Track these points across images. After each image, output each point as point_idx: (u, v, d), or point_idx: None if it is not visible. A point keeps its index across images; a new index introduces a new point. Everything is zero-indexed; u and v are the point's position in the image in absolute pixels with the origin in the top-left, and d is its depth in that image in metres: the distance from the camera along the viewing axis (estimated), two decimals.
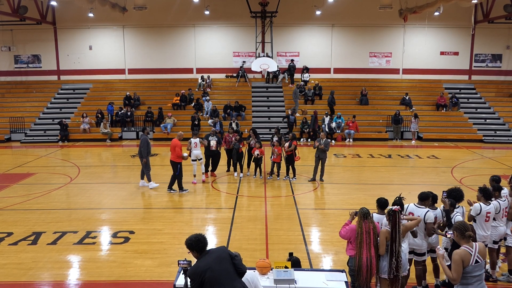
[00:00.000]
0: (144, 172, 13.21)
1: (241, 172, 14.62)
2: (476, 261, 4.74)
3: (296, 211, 10.87)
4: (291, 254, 6.29)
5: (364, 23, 26.60)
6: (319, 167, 13.69)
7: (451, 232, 5.21)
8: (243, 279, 4.75)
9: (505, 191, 7.28)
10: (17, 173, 15.34)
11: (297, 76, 26.48)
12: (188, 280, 4.66)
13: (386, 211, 6.02)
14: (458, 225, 5.01)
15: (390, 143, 22.17)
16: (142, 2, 25.79)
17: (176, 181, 12.67)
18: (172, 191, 12.71)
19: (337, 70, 27.36)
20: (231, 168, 15.00)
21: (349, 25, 26.87)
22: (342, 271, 5.82)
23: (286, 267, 5.51)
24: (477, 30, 26.15)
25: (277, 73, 26.12)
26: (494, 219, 6.85)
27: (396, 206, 5.82)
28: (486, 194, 6.77)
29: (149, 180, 13.22)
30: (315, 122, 21.98)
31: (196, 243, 4.65)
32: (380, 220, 6.21)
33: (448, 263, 4.96)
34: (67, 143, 22.04)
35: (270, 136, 14.70)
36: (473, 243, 4.86)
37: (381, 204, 6.36)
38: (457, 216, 6.38)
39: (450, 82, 26.84)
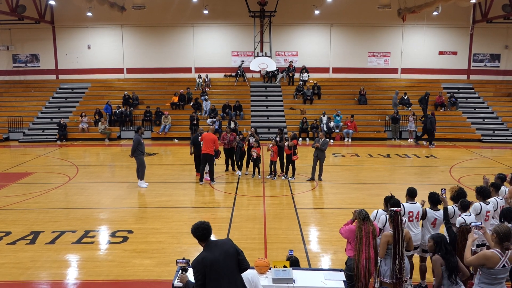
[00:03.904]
0: (139, 170, 13.17)
1: (240, 170, 14.70)
2: (504, 266, 4.73)
3: (295, 211, 10.87)
4: (291, 251, 6.27)
5: (363, 23, 26.60)
6: (318, 166, 13.70)
7: (478, 224, 5.22)
8: (244, 277, 4.77)
9: (503, 190, 7.30)
10: (16, 173, 15.32)
11: (296, 75, 26.50)
12: (191, 270, 4.70)
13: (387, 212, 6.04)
14: (501, 231, 4.77)
15: (388, 142, 22.20)
16: (141, 2, 25.77)
17: (200, 170, 13.48)
18: (213, 182, 13.52)
19: (335, 70, 27.37)
20: (229, 167, 15.12)
21: (348, 25, 26.87)
22: (341, 270, 5.82)
23: (284, 267, 5.51)
24: (476, 30, 26.18)
25: (275, 72, 26.13)
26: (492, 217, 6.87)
27: (397, 208, 5.81)
28: (484, 194, 6.77)
29: (139, 178, 13.20)
30: (434, 123, 20.82)
31: (195, 231, 4.66)
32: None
33: (474, 248, 4.94)
34: (66, 143, 22.00)
35: (269, 135, 14.70)
36: (507, 250, 4.78)
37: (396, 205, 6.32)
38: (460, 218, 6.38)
39: (448, 82, 26.87)
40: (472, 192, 7.29)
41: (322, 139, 13.46)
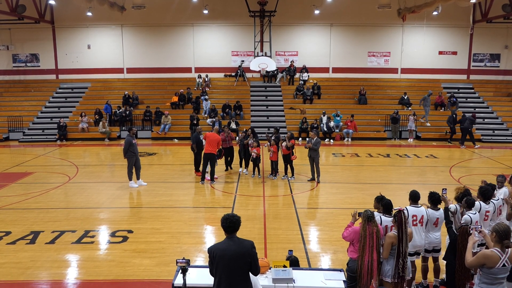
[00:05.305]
0: (128, 171, 13.14)
1: (240, 168, 14.74)
2: (504, 265, 4.72)
3: (295, 210, 10.87)
4: (291, 251, 6.28)
5: (363, 23, 26.60)
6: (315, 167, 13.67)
7: (478, 226, 5.23)
8: None
9: (503, 191, 7.31)
10: (15, 172, 15.32)
11: (296, 75, 26.52)
12: (190, 270, 5.12)
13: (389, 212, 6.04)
14: (500, 229, 4.76)
15: (388, 142, 22.20)
16: (141, 1, 25.78)
17: (201, 170, 13.57)
18: (213, 182, 13.44)
19: (335, 70, 27.37)
20: (229, 167, 15.16)
21: (348, 25, 26.87)
22: (341, 270, 5.81)
23: (284, 266, 5.51)
24: (476, 29, 26.19)
25: (275, 72, 26.14)
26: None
27: (400, 207, 5.82)
28: (485, 195, 6.73)
29: (130, 179, 13.20)
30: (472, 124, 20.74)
31: (222, 221, 4.84)
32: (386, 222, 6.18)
33: (474, 250, 4.95)
34: (66, 142, 22.00)
35: (269, 135, 14.71)
36: (507, 249, 4.76)
37: (387, 206, 6.30)
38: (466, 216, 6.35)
39: (448, 82, 26.87)
40: (473, 192, 7.27)
41: (314, 139, 13.39)
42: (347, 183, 13.75)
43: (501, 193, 7.31)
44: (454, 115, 21.74)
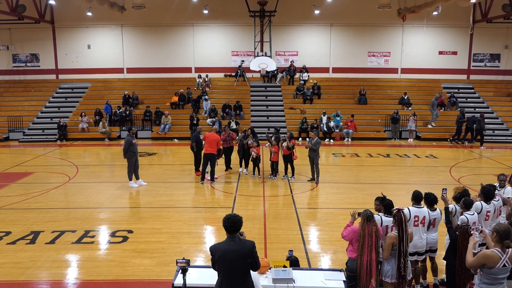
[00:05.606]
0: (128, 171, 13.13)
1: (240, 167, 14.75)
2: (504, 265, 4.71)
3: (295, 210, 10.87)
4: (291, 251, 6.28)
5: (363, 23, 26.60)
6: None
7: (479, 227, 5.22)
8: None
9: (509, 190, 7.32)
10: (16, 172, 15.32)
11: (296, 75, 26.52)
12: (190, 270, 5.14)
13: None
14: (501, 230, 4.75)
15: (388, 142, 22.20)
16: (141, 1, 25.79)
17: (202, 169, 13.59)
18: (213, 182, 13.43)
19: (335, 70, 27.37)
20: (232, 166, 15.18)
21: (348, 25, 26.87)
22: (341, 270, 5.82)
23: (284, 266, 5.51)
24: (476, 29, 26.19)
25: (275, 72, 26.14)
26: None
27: (399, 206, 5.82)
28: (487, 195, 6.70)
29: (130, 179, 13.20)
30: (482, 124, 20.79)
31: (224, 221, 4.84)
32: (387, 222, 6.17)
33: (475, 251, 4.94)
34: (66, 142, 22.00)
35: (269, 135, 14.71)
36: (507, 249, 4.75)
37: (388, 206, 6.29)
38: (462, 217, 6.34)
39: (448, 82, 26.88)
40: (473, 193, 7.27)
41: (315, 139, 13.38)
42: (347, 183, 13.75)
43: (508, 192, 7.31)
44: (462, 113, 21.67)
